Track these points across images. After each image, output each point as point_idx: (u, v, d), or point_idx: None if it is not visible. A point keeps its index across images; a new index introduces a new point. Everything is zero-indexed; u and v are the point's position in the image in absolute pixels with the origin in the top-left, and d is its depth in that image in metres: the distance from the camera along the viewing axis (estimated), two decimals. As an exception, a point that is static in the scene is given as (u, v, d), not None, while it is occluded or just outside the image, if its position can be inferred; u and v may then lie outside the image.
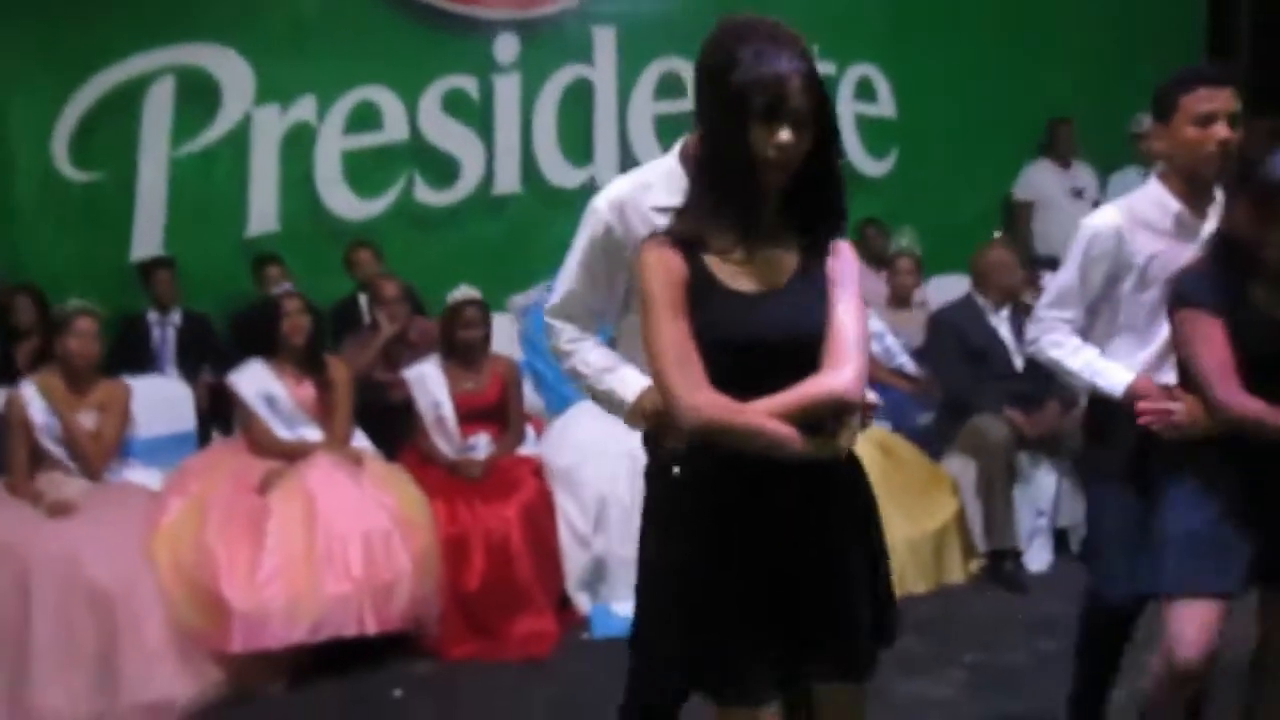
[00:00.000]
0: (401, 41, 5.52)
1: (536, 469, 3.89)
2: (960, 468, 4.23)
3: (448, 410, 3.92)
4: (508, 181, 5.71)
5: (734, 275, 1.66)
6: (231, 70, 5.28)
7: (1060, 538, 4.26)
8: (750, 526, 1.65)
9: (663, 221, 1.86)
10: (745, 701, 1.65)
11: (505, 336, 4.86)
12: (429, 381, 3.97)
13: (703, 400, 1.58)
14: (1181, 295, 2.14)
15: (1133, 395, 2.29)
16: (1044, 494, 4.20)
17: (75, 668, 3.07)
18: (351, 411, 3.85)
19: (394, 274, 4.71)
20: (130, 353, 4.67)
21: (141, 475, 3.71)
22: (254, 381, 3.75)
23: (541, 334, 4.43)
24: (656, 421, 1.88)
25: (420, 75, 5.55)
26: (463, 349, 4.00)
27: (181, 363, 4.87)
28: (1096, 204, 6.10)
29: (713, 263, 1.66)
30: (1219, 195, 2.33)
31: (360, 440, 3.90)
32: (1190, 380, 2.13)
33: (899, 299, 5.18)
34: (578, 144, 5.78)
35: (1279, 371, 2.07)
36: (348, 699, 3.27)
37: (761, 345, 1.63)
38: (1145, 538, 2.24)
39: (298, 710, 3.23)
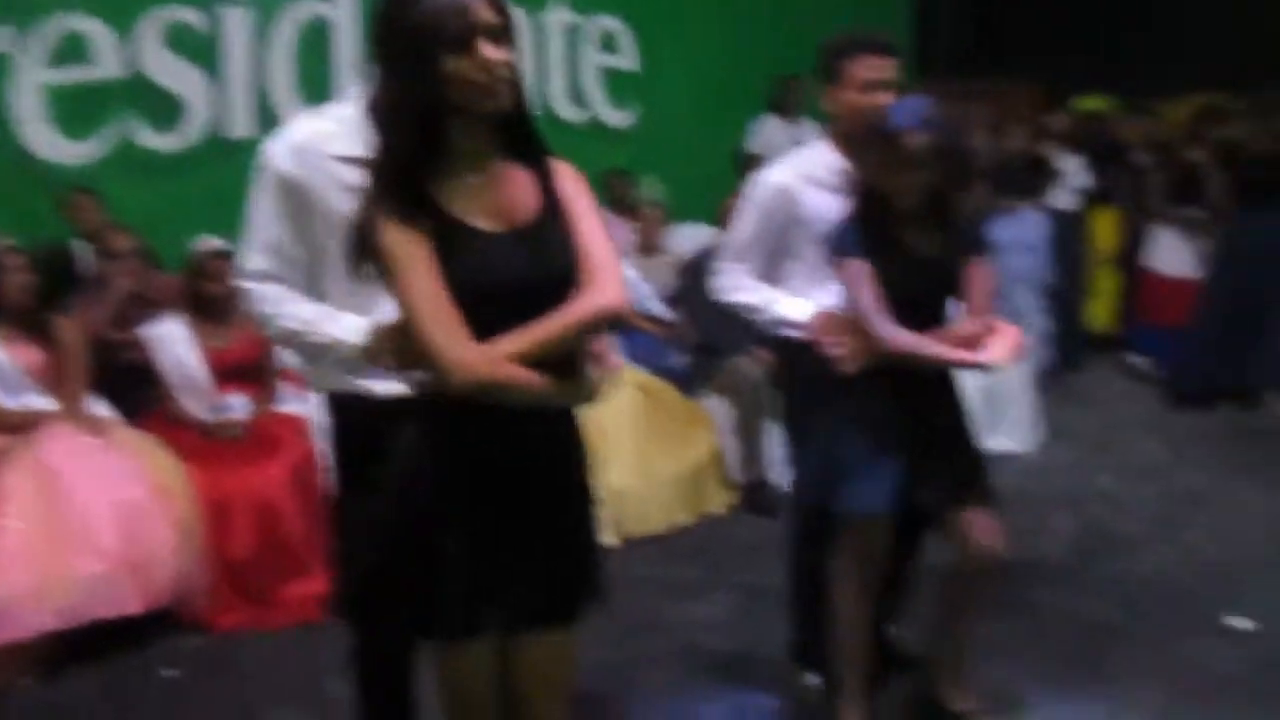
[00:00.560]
0: (112, -34, 5.02)
1: (300, 428, 3.73)
2: (715, 405, 4.47)
3: (197, 369, 3.69)
4: (241, 125, 5.35)
5: (476, 216, 1.62)
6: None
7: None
8: (483, 474, 1.65)
9: (346, 173, 1.81)
10: (472, 632, 1.69)
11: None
12: (174, 340, 3.71)
13: (468, 354, 1.54)
14: (836, 245, 2.37)
15: (814, 325, 2.44)
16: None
17: None
18: (84, 375, 3.54)
19: (123, 224, 4.32)
20: None
21: None
22: (-32, 347, 3.37)
23: None
24: (390, 362, 1.79)
25: (135, 5, 5.06)
26: (210, 304, 3.76)
27: None
28: None
29: (451, 206, 1.61)
30: None
31: (99, 406, 3.59)
32: (856, 323, 2.35)
33: (647, 247, 5.34)
34: (316, 86, 5.47)
35: (932, 302, 2.40)
36: (112, 685, 3.06)
37: (521, 286, 1.60)
38: (827, 460, 2.45)
39: (56, 704, 2.98)
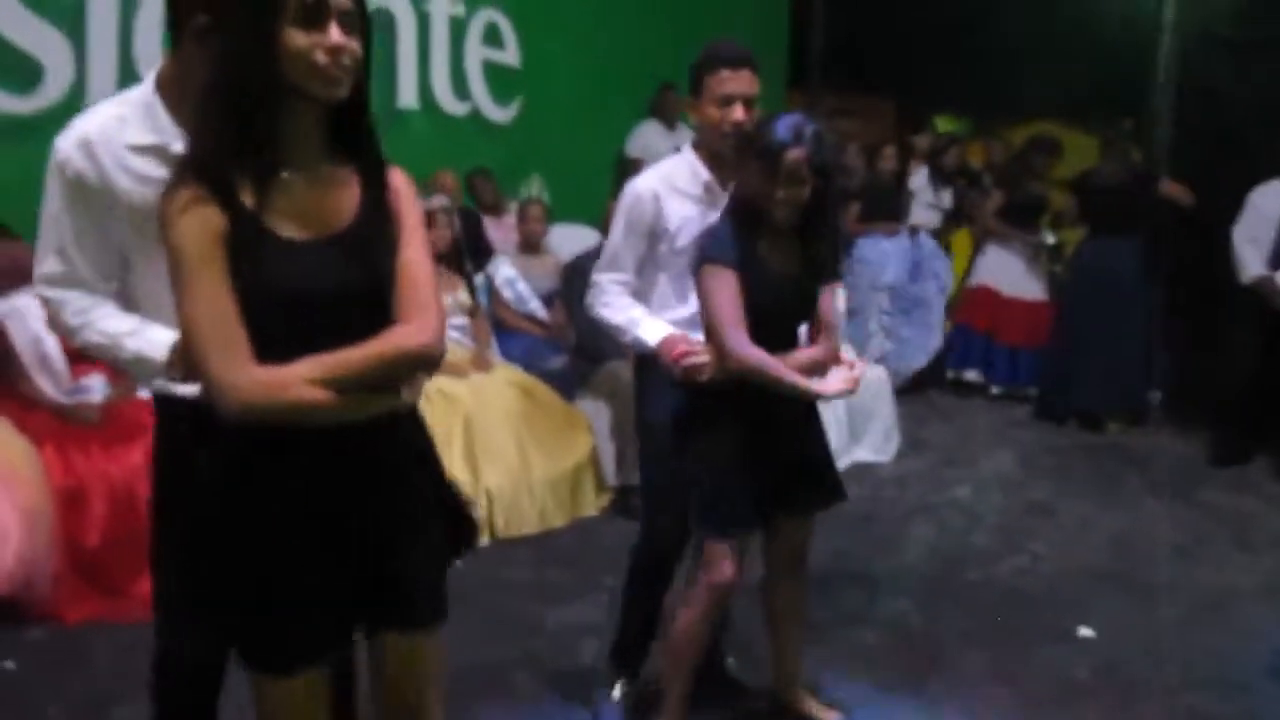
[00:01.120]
0: (-33, -85, 4.70)
1: (163, 413, 3.57)
2: (593, 409, 4.48)
3: (53, 348, 3.47)
4: (104, 90, 5.05)
5: (282, 219, 1.47)
6: None
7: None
8: (300, 489, 1.52)
9: (142, 165, 1.71)
10: (302, 663, 1.55)
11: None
12: (27, 315, 3.48)
13: (242, 378, 1.40)
14: (701, 252, 2.35)
15: (664, 347, 2.43)
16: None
17: None
18: (-72, 350, 3.31)
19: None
20: None
21: None
22: None
23: None
24: (177, 375, 1.71)
25: (-7, -40, 4.76)
26: (68, 279, 3.55)
27: None
28: None
29: (254, 205, 1.45)
30: None
31: (-60, 382, 3.36)
32: (710, 332, 2.35)
33: (529, 245, 5.31)
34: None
35: (788, 322, 2.41)
36: (-57, 677, 2.86)
37: (320, 300, 1.47)
38: (680, 481, 2.44)
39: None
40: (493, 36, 6.31)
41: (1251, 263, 5.04)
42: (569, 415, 4.41)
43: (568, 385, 4.57)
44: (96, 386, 3.51)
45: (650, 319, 2.54)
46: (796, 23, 8.59)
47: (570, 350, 4.76)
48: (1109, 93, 9.08)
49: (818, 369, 2.38)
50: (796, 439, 2.46)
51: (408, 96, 5.88)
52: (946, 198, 6.85)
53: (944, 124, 9.40)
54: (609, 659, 2.86)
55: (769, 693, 2.77)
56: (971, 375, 6.75)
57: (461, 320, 4.49)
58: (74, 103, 4.99)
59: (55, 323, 1.85)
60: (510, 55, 6.42)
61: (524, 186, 5.65)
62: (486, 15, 6.25)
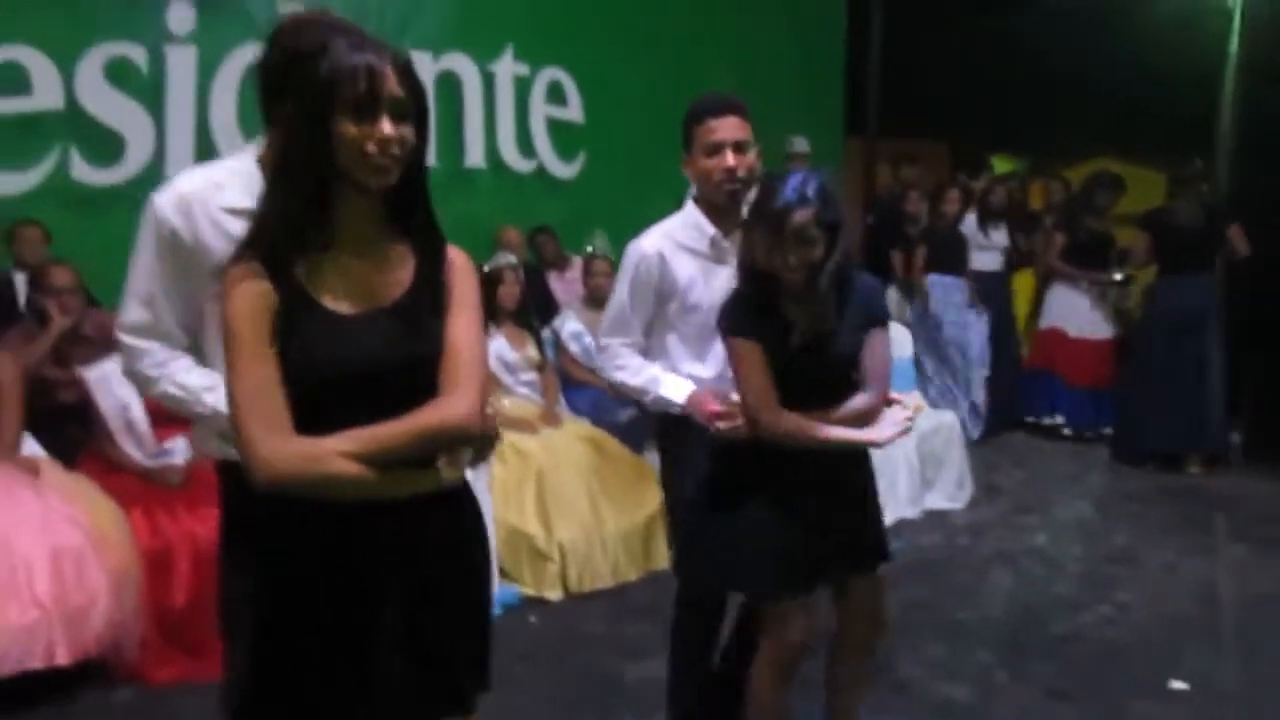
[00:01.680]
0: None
1: (243, 474, 3.64)
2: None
3: (138, 412, 3.57)
4: (181, 161, 5.23)
5: (333, 294, 1.50)
6: None
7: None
8: (340, 571, 1.51)
9: (236, 226, 1.72)
10: None
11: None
12: (114, 382, 3.58)
13: (276, 449, 1.40)
14: (725, 324, 2.30)
15: (693, 405, 2.38)
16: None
17: None
18: (21, 414, 3.41)
19: (64, 259, 4.19)
20: None
21: None
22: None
23: None
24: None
25: (78, 38, 4.96)
26: (151, 345, 3.65)
27: None
28: None
29: (308, 281, 1.49)
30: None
31: (31, 447, 3.46)
32: (743, 404, 2.27)
33: (595, 300, 5.35)
34: (260, 126, 5.39)
35: (832, 376, 2.30)
36: (37, 739, 2.91)
37: (363, 371, 1.48)
38: (725, 544, 2.33)
39: (-24, 758, 2.84)
40: (556, 94, 6.43)
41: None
42: (638, 468, 4.41)
43: (636, 438, 4.58)
44: (179, 449, 3.59)
45: (672, 377, 2.48)
46: (852, 71, 8.62)
47: (638, 403, 4.76)
48: (1169, 129, 8.98)
49: (868, 418, 2.27)
50: (838, 496, 2.35)
51: (475, 156, 6.01)
52: (998, 238, 6.76)
53: (1001, 165, 9.34)
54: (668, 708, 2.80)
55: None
56: (1047, 419, 6.65)
57: (530, 376, 4.54)
58: (153, 174, 5.17)
59: (132, 371, 1.89)
60: (573, 112, 6.54)
61: (587, 241, 5.70)
62: (550, 74, 6.37)
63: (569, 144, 6.49)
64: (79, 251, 4.64)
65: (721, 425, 2.27)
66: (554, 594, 3.93)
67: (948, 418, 5.41)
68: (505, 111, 6.15)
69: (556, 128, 6.43)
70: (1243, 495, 5.36)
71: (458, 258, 1.62)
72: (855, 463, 2.40)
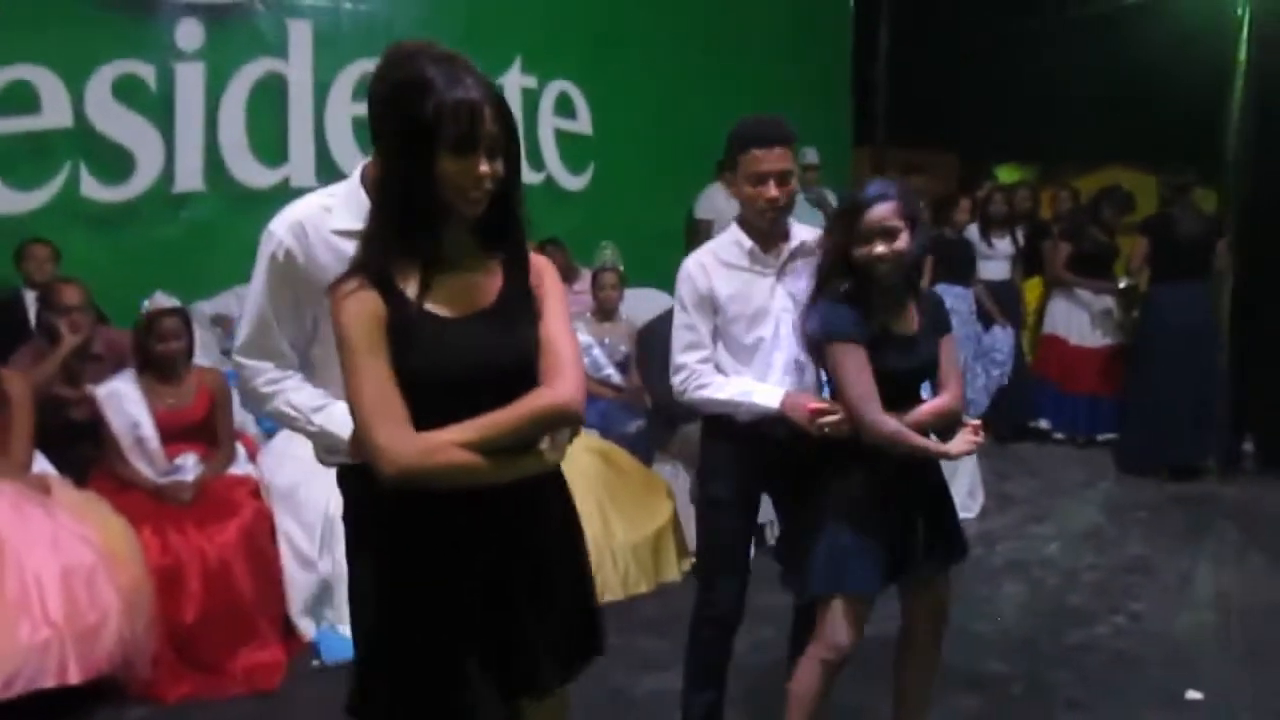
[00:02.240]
0: (65, 18, 4.95)
1: (254, 489, 3.65)
2: (671, 472, 4.46)
3: (148, 430, 3.58)
4: (189, 178, 5.28)
5: (436, 301, 1.63)
6: None
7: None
8: (459, 553, 1.64)
9: (346, 246, 1.81)
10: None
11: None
12: (124, 399, 3.60)
13: (400, 445, 1.52)
14: (826, 330, 2.37)
15: (790, 407, 2.44)
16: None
17: None
18: (32, 433, 3.42)
19: (74, 277, 4.21)
20: None
21: None
22: (-92, 401, 3.23)
23: None
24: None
25: (87, 57, 5.00)
26: (162, 363, 3.66)
27: None
28: None
29: (411, 291, 1.61)
30: (792, 230, 2.58)
31: (42, 464, 3.47)
32: (844, 406, 2.36)
33: (603, 311, 5.34)
34: (270, 143, 5.46)
35: (915, 381, 2.45)
36: (50, 759, 2.90)
37: (474, 371, 1.60)
38: (792, 545, 2.48)
39: (-12, 777, 2.82)
40: (564, 106, 6.45)
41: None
42: (648, 479, 4.40)
43: (645, 449, 4.57)
44: (189, 466, 3.60)
45: (762, 385, 2.54)
46: (859, 81, 8.63)
47: (647, 414, 4.76)
48: (1179, 138, 8.95)
49: (948, 420, 2.41)
50: (919, 495, 2.45)
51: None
52: (1002, 246, 6.73)
53: (1006, 174, 9.33)
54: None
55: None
56: (1044, 424, 6.66)
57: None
58: (162, 191, 5.22)
59: (247, 389, 1.99)
60: (582, 124, 6.56)
61: (596, 252, 5.70)
62: (558, 86, 6.40)
63: (578, 156, 6.50)
64: (89, 269, 4.66)
65: (823, 422, 2.36)
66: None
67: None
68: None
69: (565, 140, 6.45)
70: (1256, 504, 5.32)
71: (539, 262, 1.75)
72: (932, 463, 2.49)
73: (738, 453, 2.60)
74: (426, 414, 1.56)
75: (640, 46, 6.69)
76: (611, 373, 5.06)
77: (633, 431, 4.72)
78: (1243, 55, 6.78)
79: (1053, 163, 9.64)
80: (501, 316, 1.66)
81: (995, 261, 6.66)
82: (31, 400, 3.44)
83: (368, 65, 5.61)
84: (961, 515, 4.99)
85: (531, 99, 6.26)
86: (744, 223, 2.58)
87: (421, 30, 5.77)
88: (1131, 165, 8.65)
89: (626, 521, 4.13)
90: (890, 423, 2.31)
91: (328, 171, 5.51)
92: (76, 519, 3.17)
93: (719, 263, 2.58)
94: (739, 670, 2.92)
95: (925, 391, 2.51)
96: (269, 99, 5.44)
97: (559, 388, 1.63)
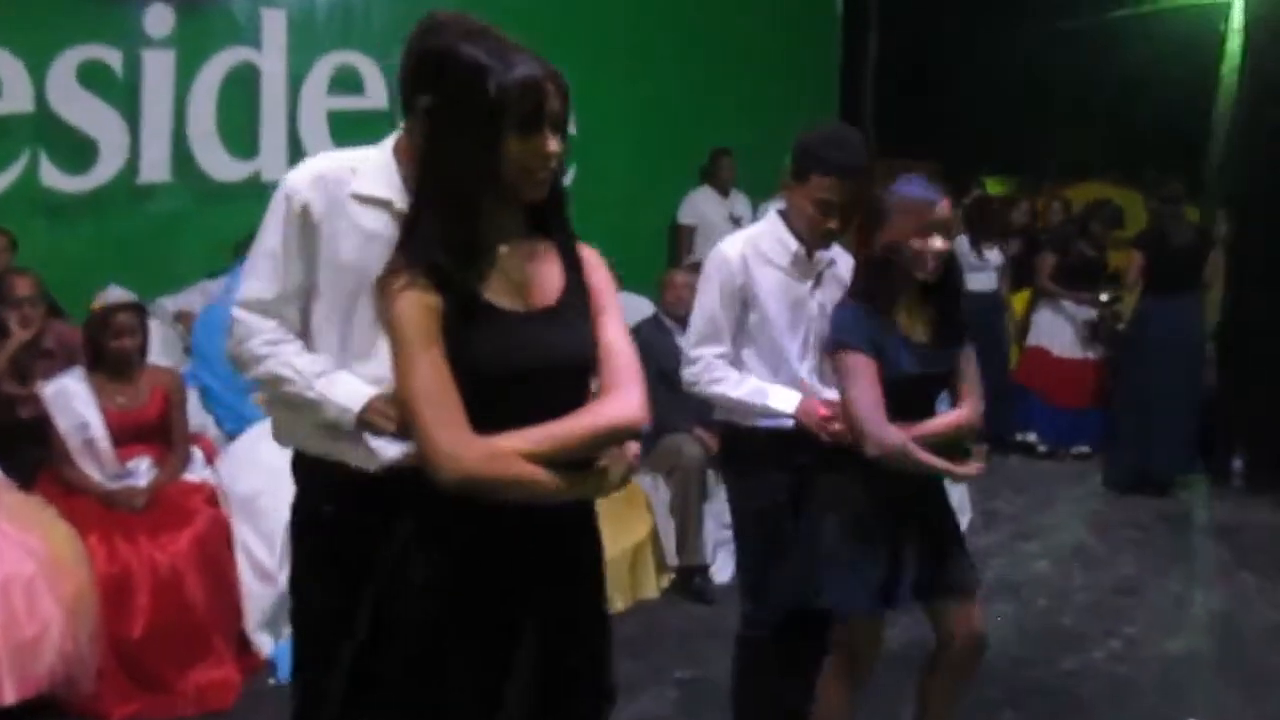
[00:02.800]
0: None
1: (210, 496, 3.45)
2: (651, 485, 4.30)
3: (99, 431, 3.37)
4: (155, 169, 5.06)
5: (497, 293, 1.51)
6: None
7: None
8: (490, 579, 1.52)
9: (365, 216, 1.77)
10: None
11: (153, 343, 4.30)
12: (73, 398, 3.39)
13: (465, 449, 1.40)
14: (836, 336, 2.29)
15: (804, 412, 2.36)
16: (726, 505, 4.35)
17: None
18: (-26, 432, 3.22)
19: (27, 269, 4.00)
20: None
21: None
22: None
23: (212, 340, 4.02)
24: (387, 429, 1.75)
25: (50, 40, 4.79)
26: (114, 360, 3.45)
27: None
28: None
29: (473, 281, 1.50)
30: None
31: (-15, 467, 3.27)
32: (849, 418, 2.26)
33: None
34: (241, 134, 5.25)
35: (930, 391, 2.36)
36: (-20, 783, 2.71)
37: (537, 369, 1.49)
38: (804, 559, 2.34)
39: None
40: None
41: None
42: (628, 492, 4.21)
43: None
44: (142, 470, 3.41)
45: (777, 388, 2.43)
46: (846, 87, 8.53)
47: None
48: (1164, 151, 8.93)
49: (962, 435, 2.31)
50: (925, 515, 2.36)
51: (458, 167, 5.85)
52: (992, 257, 6.62)
53: (992, 185, 9.26)
54: None
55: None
56: (1020, 436, 6.58)
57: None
58: (126, 181, 5.01)
59: (239, 348, 1.85)
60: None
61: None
62: (541, 85, 6.23)
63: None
64: (47, 260, 4.47)
65: (834, 427, 2.28)
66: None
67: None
68: (494, 124, 6.01)
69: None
70: (1246, 523, 5.22)
71: (591, 255, 1.64)
72: (936, 486, 2.40)
73: (767, 462, 2.48)
74: (480, 414, 1.43)
75: (625, 48, 6.53)
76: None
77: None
78: (1232, 70, 6.74)
79: (1037, 174, 9.60)
80: (565, 312, 1.55)
81: (984, 273, 6.54)
82: (-25, 398, 3.24)
83: (344, 57, 5.45)
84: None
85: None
86: (791, 225, 2.47)
87: (399, 30, 5.59)
88: (1116, 180, 8.62)
89: (604, 535, 3.94)
90: (894, 435, 2.20)
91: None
92: (18, 525, 2.98)
93: (759, 256, 2.45)
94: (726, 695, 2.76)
95: (942, 404, 2.42)
96: (241, 89, 5.23)
97: (625, 401, 1.51)
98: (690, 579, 4.13)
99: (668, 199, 6.65)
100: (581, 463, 1.50)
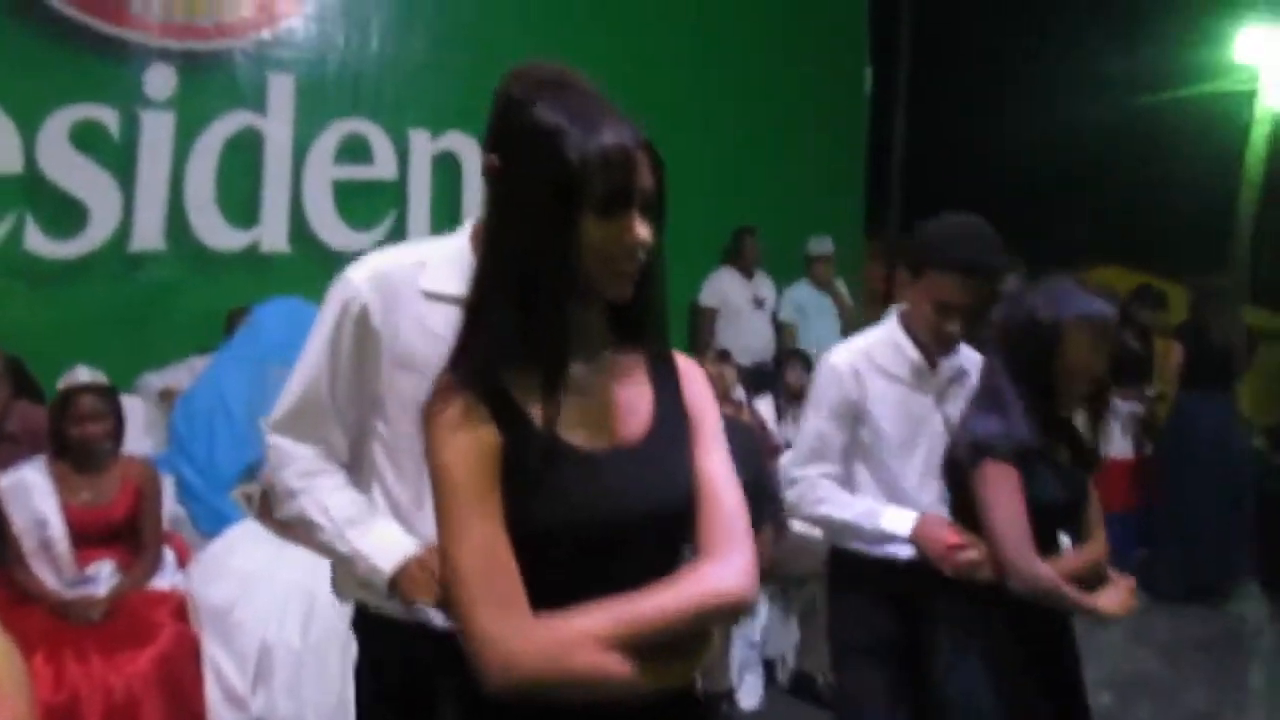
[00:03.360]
0: (21, 54, 4.50)
1: (178, 608, 3.05)
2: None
3: (58, 530, 2.99)
4: (148, 236, 4.77)
5: (571, 428, 1.18)
6: None
7: (768, 668, 4.03)
8: None
9: (435, 316, 1.48)
10: None
11: (132, 424, 3.94)
12: (31, 491, 3.02)
13: (517, 640, 1.09)
14: (982, 445, 1.98)
15: (923, 535, 2.09)
16: (755, 623, 3.95)
17: None
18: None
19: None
20: None
21: None
22: None
23: (191, 427, 3.66)
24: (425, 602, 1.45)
25: (43, 98, 4.53)
26: (79, 449, 3.08)
27: None
28: (775, 315, 6.33)
29: (535, 411, 1.17)
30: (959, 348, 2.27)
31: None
32: (992, 543, 1.97)
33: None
34: (241, 202, 4.97)
35: (1069, 520, 2.06)
36: None
37: (623, 525, 1.17)
38: (918, 702, 2.12)
39: None
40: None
41: None
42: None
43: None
44: (103, 577, 3.01)
45: (891, 508, 2.19)
46: (873, 169, 8.30)
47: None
48: (1174, 238, 8.73)
49: (1096, 574, 2.02)
50: (1059, 662, 2.06)
51: (478, 239, 5.57)
52: None
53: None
54: None
55: None
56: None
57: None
58: (117, 249, 4.71)
59: (271, 481, 1.61)
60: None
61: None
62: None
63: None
64: (28, 332, 4.17)
65: (962, 559, 1.99)
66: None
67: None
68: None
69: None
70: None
71: (691, 370, 1.32)
72: (1071, 630, 2.08)
73: (871, 598, 2.23)
74: (548, 579, 1.13)
75: (646, 125, 6.28)
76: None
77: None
78: (1254, 156, 6.58)
79: (1041, 260, 9.38)
80: (657, 448, 1.23)
81: None
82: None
83: (353, 125, 5.20)
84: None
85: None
86: (909, 328, 2.25)
87: (411, 94, 5.36)
88: (1133, 265, 8.38)
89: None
90: (1046, 572, 1.90)
91: (302, 237, 5.06)
92: (-49, 643, 2.57)
93: (873, 367, 2.24)
94: None
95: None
96: (243, 155, 4.97)
97: (731, 568, 1.17)
98: (716, 706, 3.70)
99: (688, 279, 6.35)
100: (664, 644, 1.15)
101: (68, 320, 4.53)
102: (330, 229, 5.11)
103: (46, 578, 2.97)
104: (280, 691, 2.99)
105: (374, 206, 5.28)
